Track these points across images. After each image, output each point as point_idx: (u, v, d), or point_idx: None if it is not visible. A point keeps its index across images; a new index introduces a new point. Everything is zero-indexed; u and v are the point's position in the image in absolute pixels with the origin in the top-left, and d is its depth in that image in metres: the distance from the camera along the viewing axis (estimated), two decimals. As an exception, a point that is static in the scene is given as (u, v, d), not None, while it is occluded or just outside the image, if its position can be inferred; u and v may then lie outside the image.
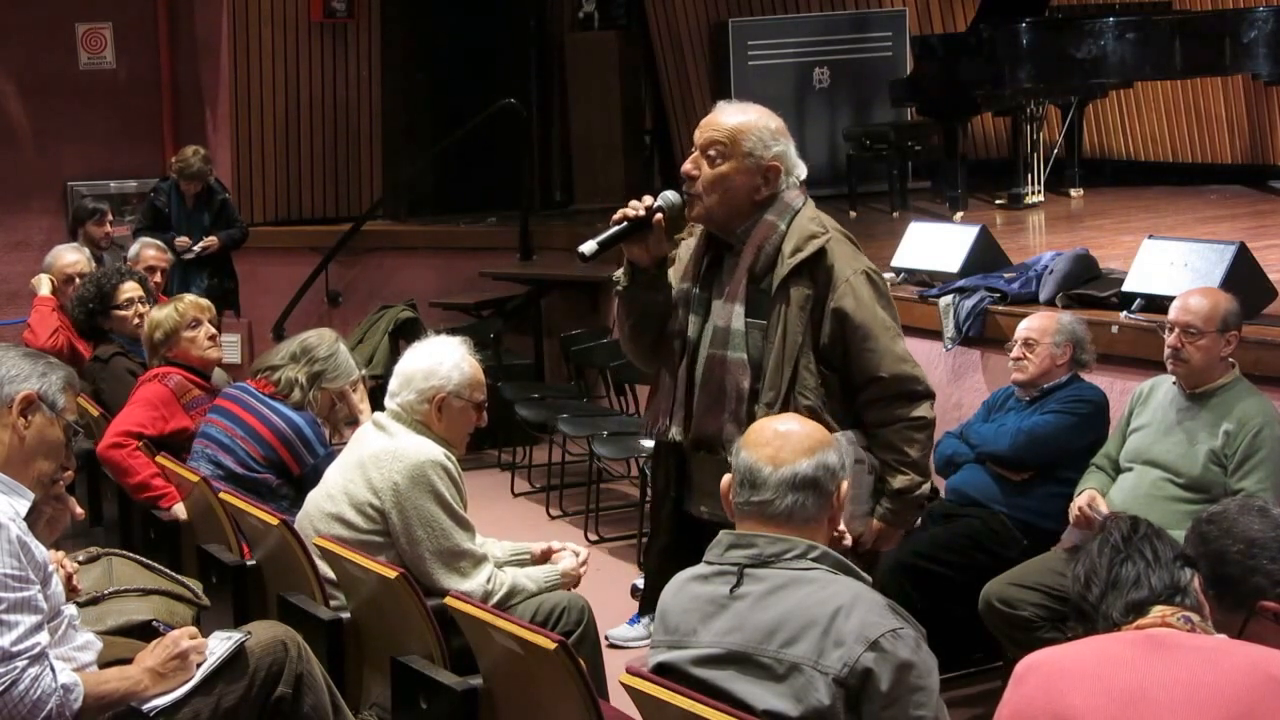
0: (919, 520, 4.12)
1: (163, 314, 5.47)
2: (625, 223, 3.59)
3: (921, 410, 3.61)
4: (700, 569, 2.86)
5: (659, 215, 3.60)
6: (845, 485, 2.86)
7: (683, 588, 2.87)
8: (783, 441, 2.82)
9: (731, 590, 2.76)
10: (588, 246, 3.58)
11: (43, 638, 3.00)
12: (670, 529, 3.75)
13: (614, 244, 3.61)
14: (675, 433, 3.66)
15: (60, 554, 3.74)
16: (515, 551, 4.35)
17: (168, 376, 5.31)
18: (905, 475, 3.64)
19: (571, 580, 4.22)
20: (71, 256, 7.28)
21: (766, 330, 3.56)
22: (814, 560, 2.76)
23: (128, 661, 3.28)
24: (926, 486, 3.67)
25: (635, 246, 3.64)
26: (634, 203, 3.61)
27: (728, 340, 3.58)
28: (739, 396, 3.55)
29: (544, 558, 4.32)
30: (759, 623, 2.72)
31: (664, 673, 2.82)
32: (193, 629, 3.40)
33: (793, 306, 3.54)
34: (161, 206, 8.97)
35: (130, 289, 6.28)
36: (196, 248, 8.80)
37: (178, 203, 8.98)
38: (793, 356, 3.52)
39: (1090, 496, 4.59)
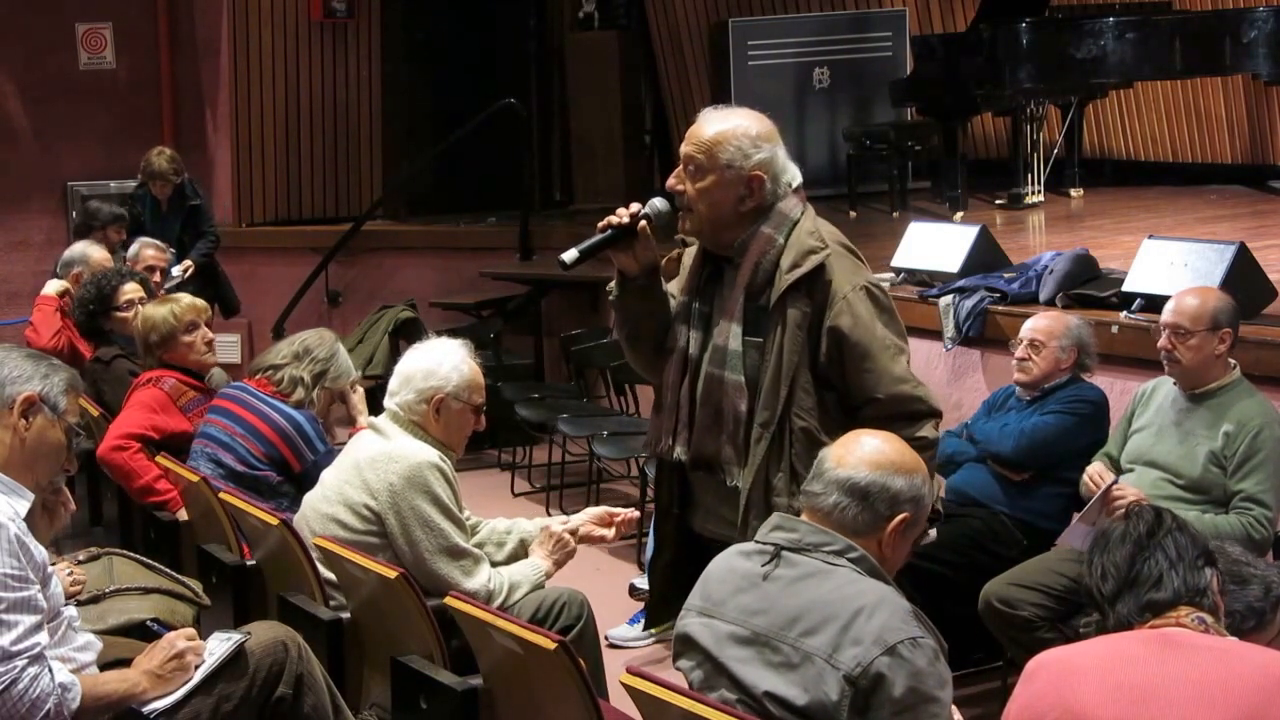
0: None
1: (159, 315, 5.37)
2: (609, 230, 3.49)
3: (924, 431, 3.41)
4: (747, 545, 2.93)
5: (644, 223, 3.48)
6: (906, 521, 2.83)
7: (727, 559, 2.94)
8: (861, 447, 2.87)
9: (764, 568, 2.81)
10: (569, 255, 3.46)
11: (42, 638, 3.01)
12: (674, 546, 3.68)
13: (596, 252, 3.50)
14: (680, 452, 3.56)
15: (64, 563, 3.76)
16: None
17: (162, 380, 5.27)
18: None
19: (560, 550, 4.19)
20: (101, 253, 7.21)
21: (763, 348, 3.44)
22: (850, 560, 2.79)
23: (128, 662, 3.29)
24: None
25: (622, 255, 3.52)
26: (619, 210, 3.51)
27: (725, 360, 3.47)
28: (736, 419, 3.44)
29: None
30: (784, 608, 2.76)
31: (685, 644, 2.88)
32: (190, 630, 3.39)
33: (790, 324, 3.41)
34: (138, 215, 8.64)
35: (131, 290, 6.23)
36: (175, 271, 8.20)
37: (152, 208, 8.72)
38: (789, 376, 3.40)
39: (1101, 467, 4.58)
